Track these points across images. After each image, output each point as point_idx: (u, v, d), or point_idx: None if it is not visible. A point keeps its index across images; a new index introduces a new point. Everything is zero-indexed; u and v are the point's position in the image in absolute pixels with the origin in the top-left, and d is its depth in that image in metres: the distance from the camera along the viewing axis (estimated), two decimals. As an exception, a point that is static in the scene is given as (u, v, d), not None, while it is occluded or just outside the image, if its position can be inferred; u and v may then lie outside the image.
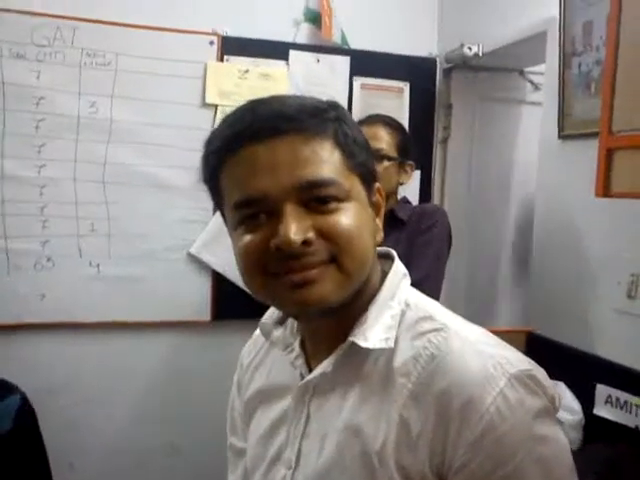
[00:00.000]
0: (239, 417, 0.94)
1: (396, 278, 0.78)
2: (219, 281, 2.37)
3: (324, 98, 0.75)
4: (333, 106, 0.74)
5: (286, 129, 0.69)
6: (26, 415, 1.97)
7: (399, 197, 1.94)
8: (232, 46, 2.33)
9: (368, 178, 0.75)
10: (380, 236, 0.76)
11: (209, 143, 0.75)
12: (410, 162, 1.88)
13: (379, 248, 0.80)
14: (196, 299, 2.38)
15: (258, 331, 0.93)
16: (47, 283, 2.24)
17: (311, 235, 0.68)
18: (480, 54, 2.18)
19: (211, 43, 2.32)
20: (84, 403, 2.30)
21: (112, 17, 2.21)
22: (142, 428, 2.37)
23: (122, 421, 2.37)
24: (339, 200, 0.69)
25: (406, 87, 2.52)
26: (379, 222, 0.77)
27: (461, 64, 2.31)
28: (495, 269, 2.65)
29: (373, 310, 0.74)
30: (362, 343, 0.72)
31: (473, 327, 0.75)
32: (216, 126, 0.75)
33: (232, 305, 2.36)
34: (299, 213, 0.68)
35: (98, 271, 2.29)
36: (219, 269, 2.36)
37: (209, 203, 2.63)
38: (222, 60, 2.34)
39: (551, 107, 1.84)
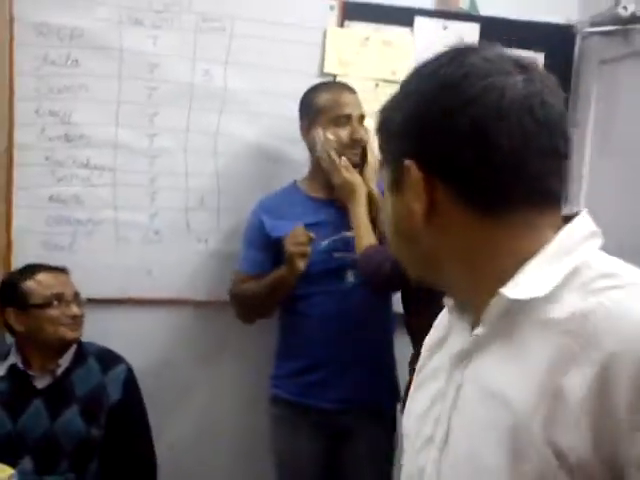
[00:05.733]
0: None
1: (571, 237, 0.66)
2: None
3: None
4: None
5: None
6: (133, 386, 1.90)
7: None
8: (353, 11, 2.19)
9: None
10: None
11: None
12: None
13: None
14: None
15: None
16: (154, 258, 2.16)
17: None
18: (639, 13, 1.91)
19: (331, 7, 2.18)
20: (185, 383, 2.21)
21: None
22: (246, 409, 2.23)
23: (223, 405, 2.26)
24: None
25: (540, 58, 2.28)
26: None
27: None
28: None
29: (533, 263, 0.64)
30: (508, 293, 0.63)
31: None
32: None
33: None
34: None
35: (206, 247, 2.19)
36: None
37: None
38: (342, 26, 2.19)
39: None
